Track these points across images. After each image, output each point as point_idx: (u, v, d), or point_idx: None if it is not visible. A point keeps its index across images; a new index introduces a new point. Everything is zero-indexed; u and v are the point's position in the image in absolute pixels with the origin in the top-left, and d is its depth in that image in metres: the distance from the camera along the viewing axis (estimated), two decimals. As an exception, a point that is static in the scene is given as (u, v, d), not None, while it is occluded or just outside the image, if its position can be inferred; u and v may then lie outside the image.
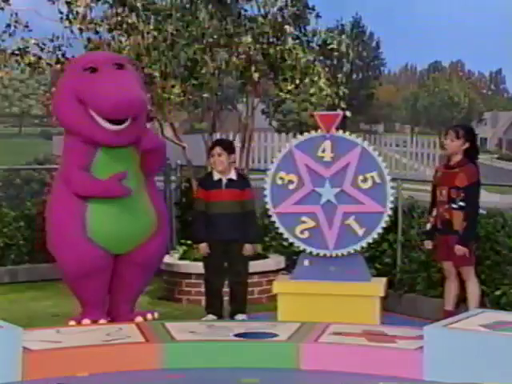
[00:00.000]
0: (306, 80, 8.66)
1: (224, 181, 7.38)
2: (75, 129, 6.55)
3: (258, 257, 8.54)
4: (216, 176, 7.39)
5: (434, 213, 7.24)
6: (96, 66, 6.49)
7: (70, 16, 8.60)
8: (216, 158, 7.37)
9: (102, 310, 6.75)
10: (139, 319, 6.79)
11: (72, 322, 6.64)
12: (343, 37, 8.95)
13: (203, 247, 7.37)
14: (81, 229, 6.52)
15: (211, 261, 7.42)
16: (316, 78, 8.63)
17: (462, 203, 7.04)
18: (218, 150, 7.39)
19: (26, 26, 8.79)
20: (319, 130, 7.27)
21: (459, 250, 7.00)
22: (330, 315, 6.73)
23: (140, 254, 6.73)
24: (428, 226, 7.41)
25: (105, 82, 6.36)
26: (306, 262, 7.27)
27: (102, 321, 6.63)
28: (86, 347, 5.84)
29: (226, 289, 7.57)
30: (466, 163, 7.10)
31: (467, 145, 7.14)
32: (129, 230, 6.67)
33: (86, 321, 6.60)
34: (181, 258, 8.75)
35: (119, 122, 6.39)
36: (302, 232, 7.24)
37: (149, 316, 6.90)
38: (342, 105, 8.78)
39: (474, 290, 7.11)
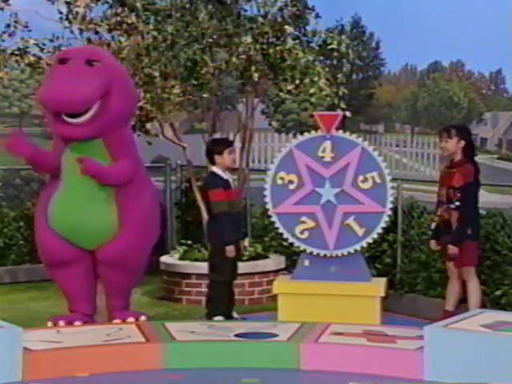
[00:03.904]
0: (306, 80, 8.65)
1: (230, 180, 7.37)
2: (48, 119, 6.66)
3: (258, 257, 8.54)
4: (224, 176, 7.26)
5: (439, 212, 7.25)
6: (66, 58, 6.54)
7: (70, 16, 8.60)
8: (234, 156, 7.40)
9: (85, 304, 6.77)
10: (131, 320, 6.77)
11: (49, 324, 6.66)
12: (343, 37, 8.93)
13: (232, 250, 7.12)
14: (45, 219, 6.72)
15: (234, 261, 7.27)
16: (316, 78, 8.62)
17: (458, 203, 7.04)
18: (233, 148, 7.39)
19: (26, 26, 8.80)
20: (319, 130, 7.27)
21: (450, 249, 7.01)
22: (330, 315, 6.73)
23: (105, 252, 6.71)
24: (433, 226, 7.42)
25: (57, 75, 6.48)
26: (306, 262, 7.26)
27: (76, 323, 6.61)
28: (86, 347, 5.85)
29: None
30: (464, 163, 7.09)
31: (463, 143, 7.13)
32: (86, 223, 6.64)
33: (62, 323, 6.63)
34: (181, 258, 8.75)
35: (74, 116, 6.38)
36: (301, 232, 7.23)
37: (142, 318, 6.85)
38: (342, 105, 8.77)
39: (473, 290, 7.08)
